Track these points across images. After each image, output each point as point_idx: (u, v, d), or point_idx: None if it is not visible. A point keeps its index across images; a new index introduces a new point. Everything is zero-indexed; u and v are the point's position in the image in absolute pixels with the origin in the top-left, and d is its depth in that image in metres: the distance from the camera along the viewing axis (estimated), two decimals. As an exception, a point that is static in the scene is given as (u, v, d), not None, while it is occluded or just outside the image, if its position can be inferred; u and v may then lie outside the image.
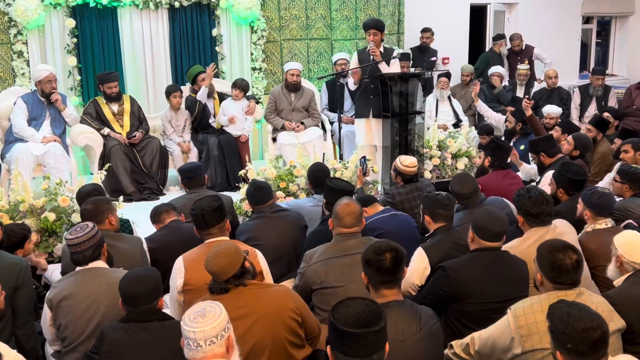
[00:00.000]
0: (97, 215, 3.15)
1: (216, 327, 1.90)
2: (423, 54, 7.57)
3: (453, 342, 2.52)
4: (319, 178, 3.91)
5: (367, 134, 5.34)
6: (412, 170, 4.08)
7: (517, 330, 2.23)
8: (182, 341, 1.95)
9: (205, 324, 1.90)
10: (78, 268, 2.70)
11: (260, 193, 3.63)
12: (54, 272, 3.74)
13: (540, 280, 2.36)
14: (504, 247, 2.87)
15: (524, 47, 7.91)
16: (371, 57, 5.16)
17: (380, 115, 5.10)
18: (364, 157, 4.68)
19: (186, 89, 6.29)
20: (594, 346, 1.84)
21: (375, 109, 5.15)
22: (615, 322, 2.28)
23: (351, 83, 5.41)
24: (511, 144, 5.72)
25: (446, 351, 2.49)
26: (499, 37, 7.97)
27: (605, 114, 5.82)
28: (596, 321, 1.87)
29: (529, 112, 5.48)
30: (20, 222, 3.81)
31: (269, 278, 2.99)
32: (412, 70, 6.95)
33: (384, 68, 5.20)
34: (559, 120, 6.11)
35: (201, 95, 6.02)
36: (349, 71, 5.37)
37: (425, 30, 7.57)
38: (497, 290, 2.63)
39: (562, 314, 1.91)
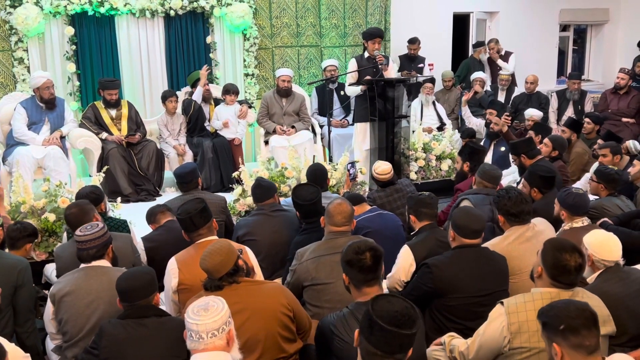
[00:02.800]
0: (84, 215, 3.19)
1: (218, 321, 1.96)
2: (411, 62, 7.69)
3: (445, 339, 2.53)
4: (317, 178, 4.01)
5: (371, 137, 5.33)
6: (386, 177, 4.16)
7: (508, 327, 2.23)
8: (185, 333, 2.00)
9: (208, 317, 1.95)
10: (82, 265, 2.76)
11: (259, 190, 3.73)
12: (53, 271, 3.71)
13: (540, 273, 2.35)
14: (486, 245, 2.96)
15: (503, 53, 8.05)
16: (379, 64, 5.23)
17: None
18: (352, 163, 4.82)
19: (181, 94, 6.36)
20: (586, 322, 1.84)
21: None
22: (606, 327, 2.29)
23: (353, 90, 5.43)
24: (492, 146, 5.97)
25: (430, 349, 2.53)
26: (478, 44, 8.12)
27: (586, 120, 5.97)
28: (584, 305, 1.89)
29: (504, 129, 5.60)
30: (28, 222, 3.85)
31: (259, 273, 3.04)
32: (398, 74, 7.15)
33: (386, 73, 5.30)
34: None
35: (196, 95, 6.10)
36: (343, 75, 5.41)
37: (412, 41, 7.66)
38: (478, 285, 2.67)
39: (550, 305, 1.95)
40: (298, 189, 3.46)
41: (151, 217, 3.71)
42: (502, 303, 2.31)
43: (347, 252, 2.32)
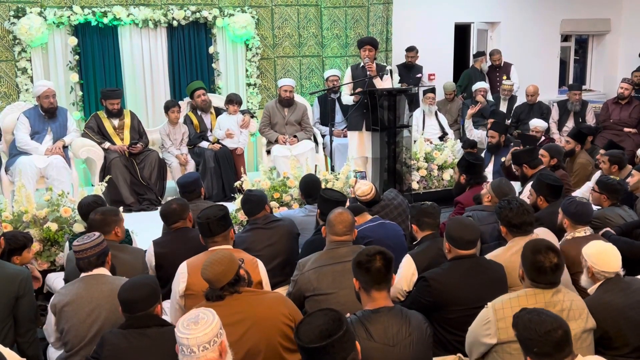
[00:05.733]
0: (104, 226, 3.18)
1: (209, 334, 1.93)
2: (409, 71, 7.71)
3: None
4: (310, 189, 3.99)
5: (360, 146, 5.45)
6: (368, 198, 4.04)
7: (495, 323, 2.32)
8: (176, 347, 1.99)
9: (198, 330, 1.93)
10: (82, 274, 2.75)
11: (248, 205, 3.66)
12: (55, 280, 3.81)
13: (522, 275, 2.47)
14: (489, 256, 2.98)
15: (502, 64, 8.09)
16: (367, 72, 5.30)
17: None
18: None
19: (183, 104, 6.37)
20: (557, 346, 1.91)
21: (369, 122, 5.28)
22: (588, 322, 2.36)
23: (347, 98, 5.50)
24: (493, 157, 5.96)
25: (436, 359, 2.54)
26: (479, 54, 8.14)
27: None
28: (556, 322, 1.94)
29: (508, 163, 5.50)
30: (25, 231, 3.85)
31: (267, 288, 3.01)
32: (397, 85, 7.18)
33: (378, 83, 5.34)
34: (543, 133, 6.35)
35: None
36: (342, 86, 5.47)
37: (409, 49, 7.69)
38: (477, 295, 2.65)
39: (524, 321, 1.98)
40: (328, 190, 3.69)
41: (170, 219, 3.54)
42: (489, 303, 2.41)
43: (359, 255, 2.34)
